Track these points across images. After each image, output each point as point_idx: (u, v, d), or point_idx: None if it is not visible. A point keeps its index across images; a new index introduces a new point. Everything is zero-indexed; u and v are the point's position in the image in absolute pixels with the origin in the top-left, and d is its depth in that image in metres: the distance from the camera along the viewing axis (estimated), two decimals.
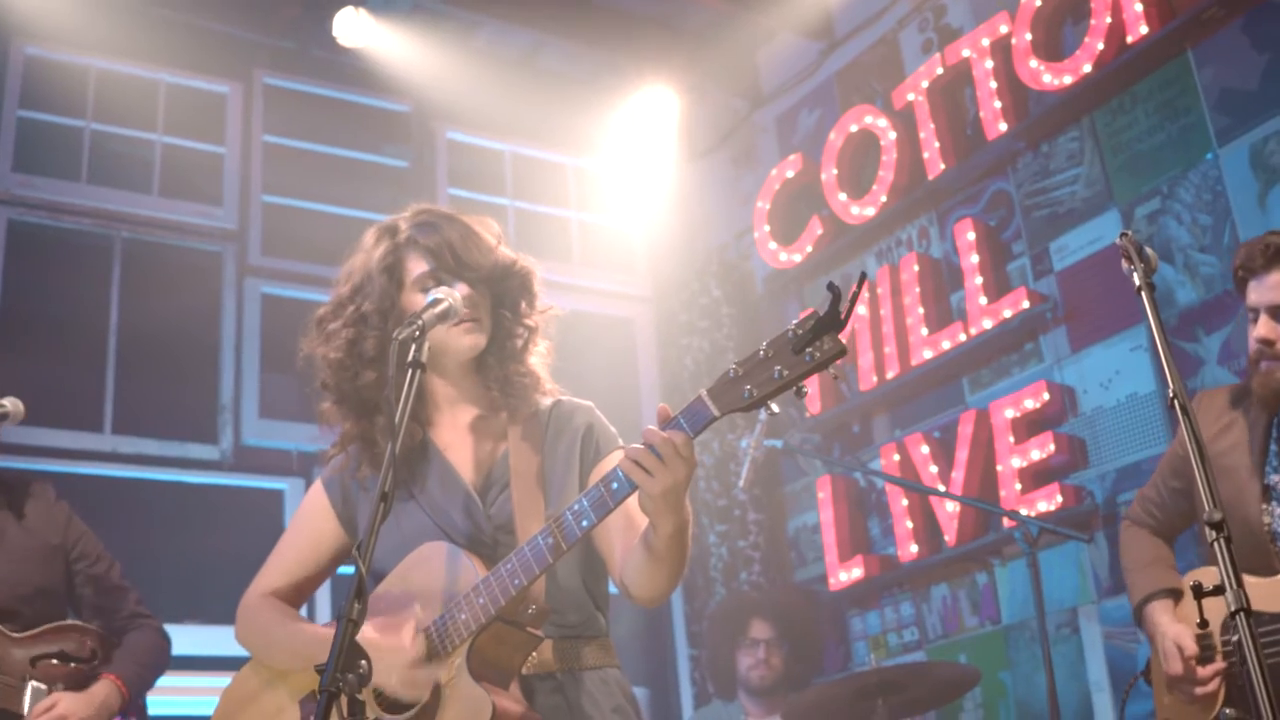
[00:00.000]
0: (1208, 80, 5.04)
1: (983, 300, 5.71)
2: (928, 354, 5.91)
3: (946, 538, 5.66)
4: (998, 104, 5.78)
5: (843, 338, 2.08)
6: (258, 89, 6.89)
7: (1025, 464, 5.37)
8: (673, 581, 2.41)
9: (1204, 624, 2.77)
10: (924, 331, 5.96)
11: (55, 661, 3.73)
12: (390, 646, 2.37)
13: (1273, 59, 4.84)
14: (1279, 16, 4.85)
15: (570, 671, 2.55)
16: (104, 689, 3.74)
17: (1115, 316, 5.25)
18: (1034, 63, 5.58)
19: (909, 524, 5.85)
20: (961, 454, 5.64)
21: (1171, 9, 5.21)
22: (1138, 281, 2.54)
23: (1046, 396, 5.38)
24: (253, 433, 6.28)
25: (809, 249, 6.66)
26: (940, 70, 6.09)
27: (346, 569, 2.53)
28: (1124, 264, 2.59)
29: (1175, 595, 3.46)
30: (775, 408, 2.15)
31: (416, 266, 2.67)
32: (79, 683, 3.74)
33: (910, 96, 6.22)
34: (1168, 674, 3.29)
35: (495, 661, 2.41)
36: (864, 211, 6.37)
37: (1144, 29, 5.19)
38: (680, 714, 6.92)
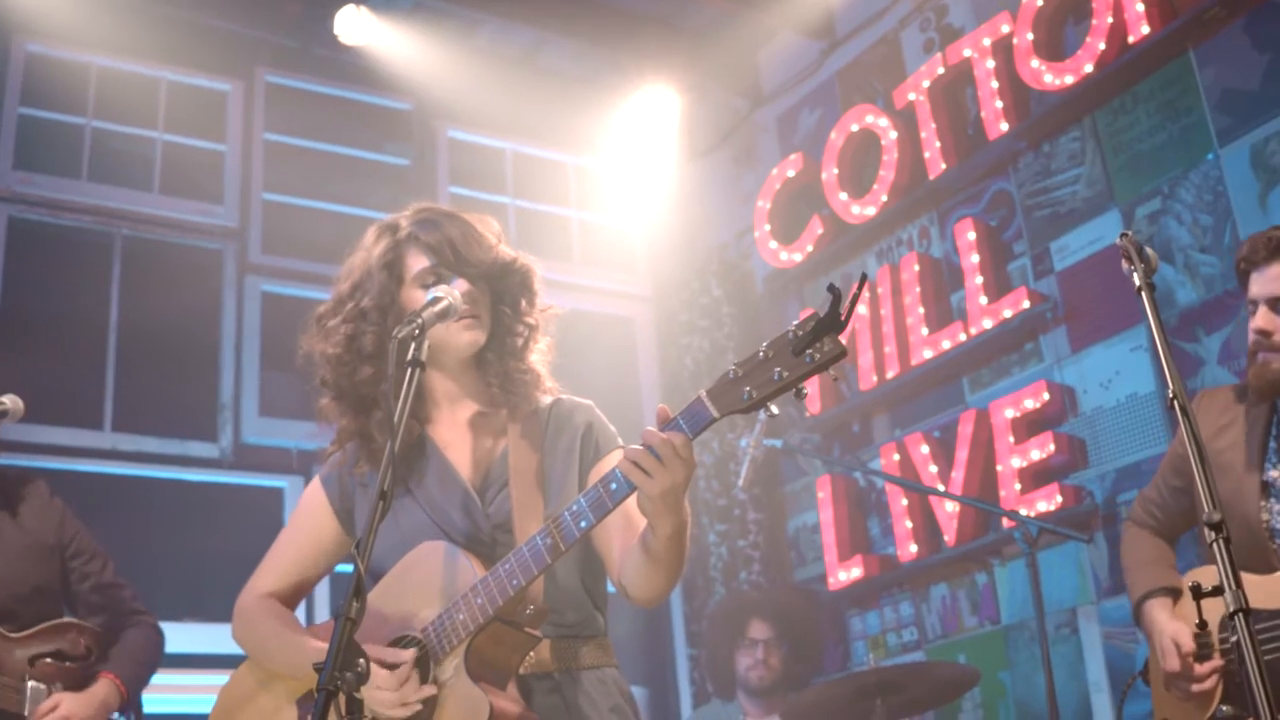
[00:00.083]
0: (1209, 80, 5.04)
1: (983, 300, 5.71)
2: (928, 354, 5.91)
3: (946, 538, 5.66)
4: (999, 104, 5.78)
5: (843, 339, 2.07)
6: (259, 87, 6.89)
7: (1025, 464, 5.37)
8: (671, 582, 2.42)
9: (1203, 624, 2.77)
10: (924, 331, 5.96)
11: (52, 661, 3.73)
12: (379, 671, 2.34)
13: (1274, 59, 4.83)
14: None
15: (568, 671, 2.55)
16: (104, 689, 3.74)
17: (1115, 316, 5.25)
18: (1035, 62, 5.58)
19: (908, 524, 5.85)
20: (961, 454, 5.64)
21: (1173, 9, 5.21)
22: (1138, 282, 2.55)
23: (1046, 396, 5.38)
24: (253, 431, 6.28)
25: (809, 248, 6.65)
26: (941, 70, 6.09)
27: (345, 567, 2.53)
28: (1124, 264, 2.59)
29: (1174, 594, 3.46)
30: (775, 409, 2.15)
31: (416, 262, 2.67)
32: (77, 682, 3.74)
33: (911, 96, 6.21)
34: (1165, 671, 3.29)
35: (493, 661, 2.40)
36: (864, 211, 6.37)
37: (1145, 29, 5.19)
38: (679, 714, 6.92)
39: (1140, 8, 5.20)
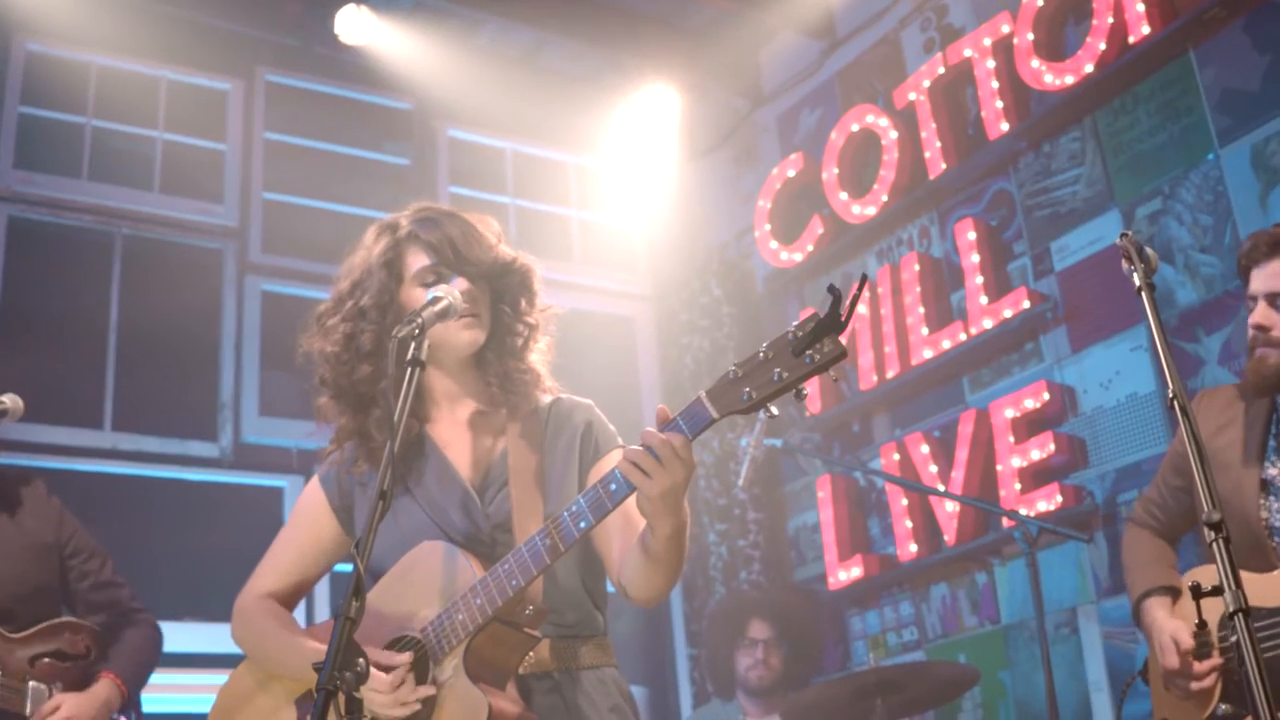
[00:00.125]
0: (1209, 81, 5.04)
1: (983, 300, 5.71)
2: (928, 353, 5.91)
3: (946, 537, 5.66)
4: (999, 104, 5.78)
5: (843, 339, 2.07)
6: (259, 86, 6.89)
7: (1025, 464, 5.37)
8: (670, 582, 2.41)
9: (1202, 624, 2.77)
10: (924, 331, 5.96)
11: (53, 660, 3.74)
12: (375, 673, 2.34)
13: (1274, 60, 4.83)
14: None
15: (567, 671, 2.54)
16: (105, 688, 3.74)
17: (1116, 316, 5.25)
18: (1036, 63, 5.58)
19: (908, 523, 5.85)
20: (961, 453, 5.64)
21: (1173, 9, 5.21)
22: (1138, 282, 2.55)
23: (1046, 396, 5.38)
24: (253, 430, 6.28)
25: (810, 248, 6.65)
26: (942, 70, 6.09)
27: (344, 566, 2.53)
28: (1124, 264, 2.60)
29: (1173, 593, 3.46)
30: (775, 410, 2.14)
31: (416, 261, 2.68)
32: (77, 681, 3.75)
33: (912, 96, 6.21)
34: (1164, 668, 3.29)
35: (492, 662, 2.40)
36: (865, 211, 6.37)
37: (1146, 29, 5.19)
38: (679, 713, 6.92)
39: (1141, 8, 5.20)
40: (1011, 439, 5.44)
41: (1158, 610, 3.41)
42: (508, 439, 2.66)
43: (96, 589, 3.95)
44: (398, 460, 2.26)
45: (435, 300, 2.48)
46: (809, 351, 2.06)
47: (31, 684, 3.66)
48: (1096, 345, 5.33)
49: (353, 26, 6.50)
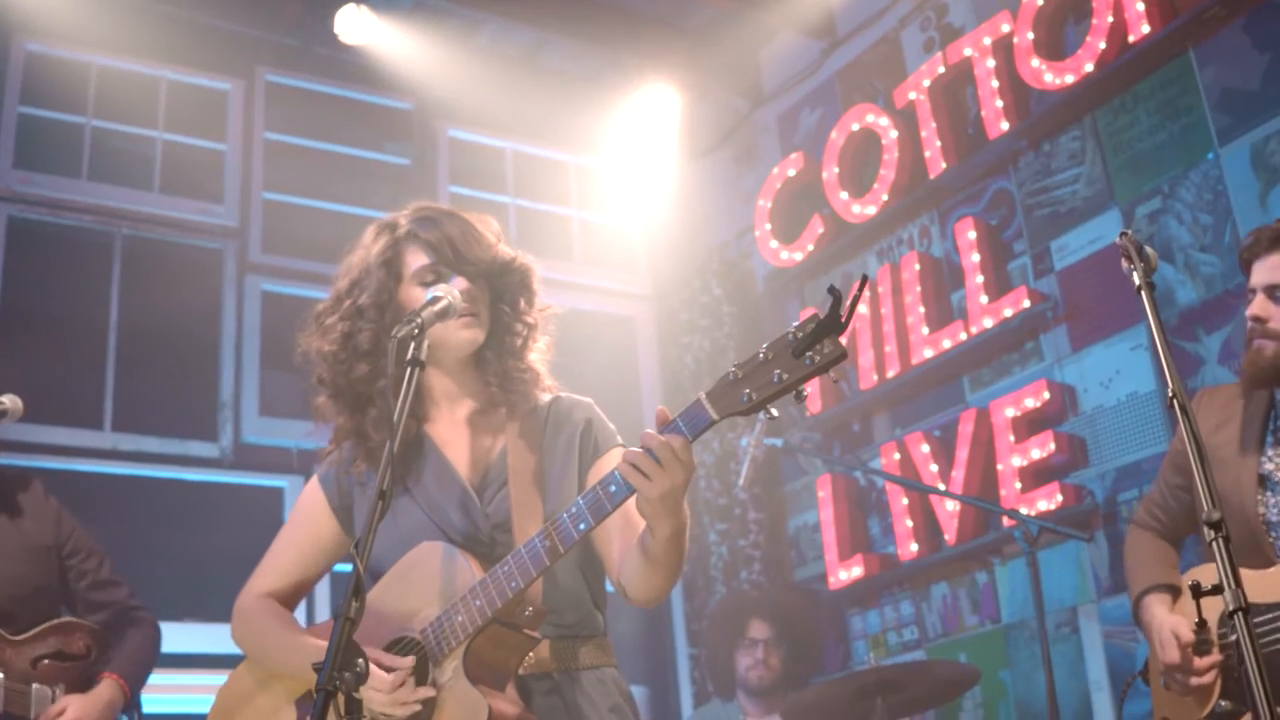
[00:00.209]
0: (1209, 80, 5.04)
1: (983, 299, 5.71)
2: (928, 353, 5.91)
3: (946, 537, 5.66)
4: (999, 103, 5.78)
5: (843, 340, 2.06)
6: (259, 86, 6.89)
7: (1025, 463, 5.37)
8: (670, 583, 2.41)
9: (1202, 623, 2.77)
10: (924, 330, 5.96)
11: (54, 661, 3.74)
12: (375, 671, 2.34)
13: (1274, 59, 4.83)
14: None
15: (567, 671, 2.54)
16: (108, 689, 3.75)
17: (1116, 316, 5.25)
18: (1035, 62, 5.58)
19: (909, 523, 5.85)
20: (962, 453, 5.64)
21: (1173, 8, 5.20)
22: (1138, 281, 2.55)
23: (1047, 395, 5.37)
24: (253, 430, 6.27)
25: (810, 248, 6.65)
26: (942, 69, 6.09)
27: (344, 566, 2.53)
28: (1124, 263, 2.59)
29: (1173, 591, 3.45)
30: (775, 411, 2.13)
31: (415, 260, 2.67)
32: (79, 681, 3.75)
33: (912, 95, 6.21)
34: (1164, 663, 3.28)
35: (492, 663, 2.40)
36: (865, 210, 6.37)
37: (1145, 28, 5.18)
38: (680, 713, 6.92)
39: (1140, 7, 5.20)
40: (1012, 438, 5.44)
41: (1157, 607, 3.40)
42: (507, 438, 2.66)
43: (96, 588, 3.95)
44: (397, 460, 2.26)
45: (435, 300, 2.48)
46: (809, 353, 2.05)
47: (35, 686, 3.66)
48: (1097, 344, 5.33)
49: (353, 26, 6.49)
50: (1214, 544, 2.19)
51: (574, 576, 2.61)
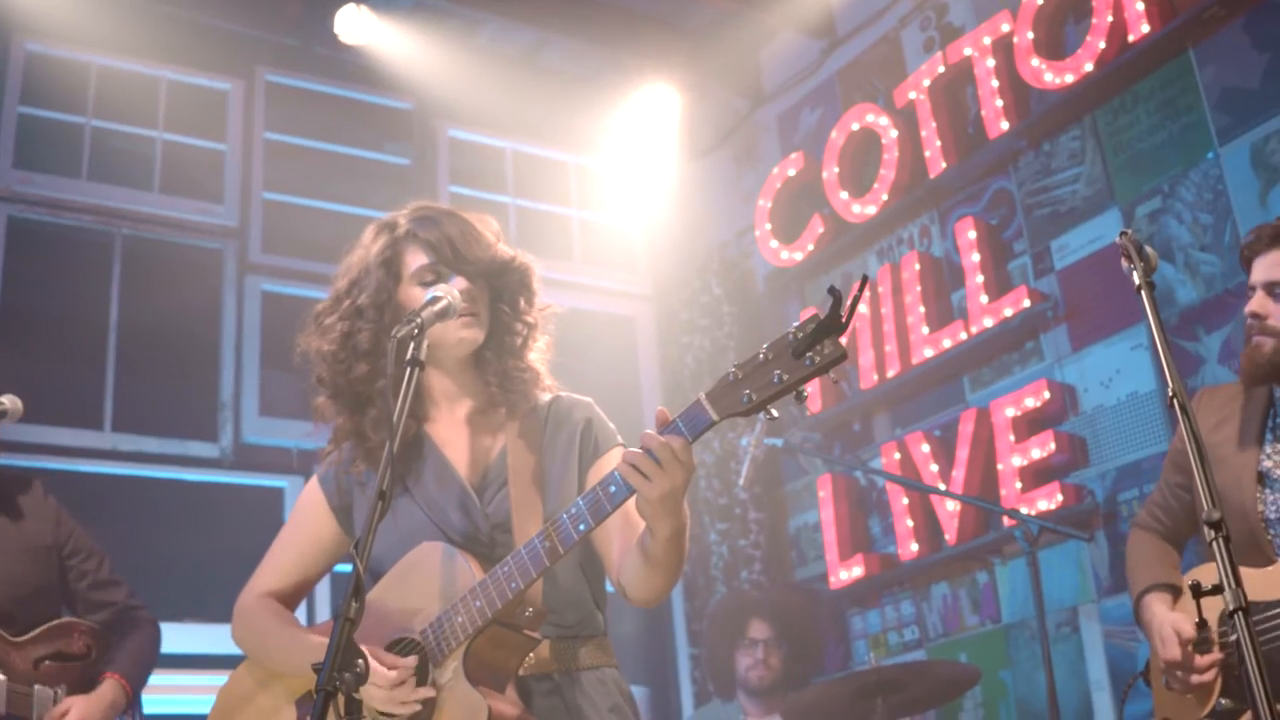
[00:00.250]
0: (1209, 79, 5.04)
1: (984, 299, 5.71)
2: (928, 352, 5.91)
3: (947, 536, 5.66)
4: (999, 102, 5.78)
5: (843, 340, 2.06)
6: (259, 86, 6.89)
7: (1026, 463, 5.37)
8: (669, 584, 2.41)
9: (1202, 623, 2.77)
10: (925, 330, 5.96)
11: (55, 662, 3.74)
12: (374, 680, 2.34)
13: (1274, 58, 4.83)
14: None
15: (567, 672, 2.54)
16: (111, 689, 3.74)
17: (1116, 315, 5.25)
18: (1035, 61, 5.58)
19: (909, 522, 5.85)
20: (962, 452, 5.64)
21: (1173, 8, 5.20)
22: (1138, 280, 2.55)
23: (1047, 395, 5.37)
24: (253, 430, 6.27)
25: (810, 247, 6.65)
26: (942, 69, 6.09)
27: (345, 566, 2.53)
28: (1124, 263, 2.59)
29: (1174, 591, 3.45)
30: (775, 411, 2.13)
31: (415, 260, 2.67)
32: (80, 682, 3.75)
33: (912, 95, 6.21)
34: (1165, 660, 3.27)
35: (492, 664, 2.40)
36: (865, 210, 6.37)
37: (1145, 28, 5.18)
38: (680, 713, 6.92)
39: (1140, 7, 5.20)
40: (1012, 438, 5.44)
41: (1157, 605, 3.40)
42: (507, 438, 2.65)
43: (96, 588, 3.95)
44: (396, 460, 2.26)
45: (434, 300, 2.48)
46: (809, 353, 2.05)
47: (37, 688, 3.66)
48: (1097, 344, 5.33)
49: (353, 26, 6.49)
50: (1214, 544, 2.19)
51: (575, 576, 2.60)
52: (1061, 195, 5.56)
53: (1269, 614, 3.12)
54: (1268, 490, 3.27)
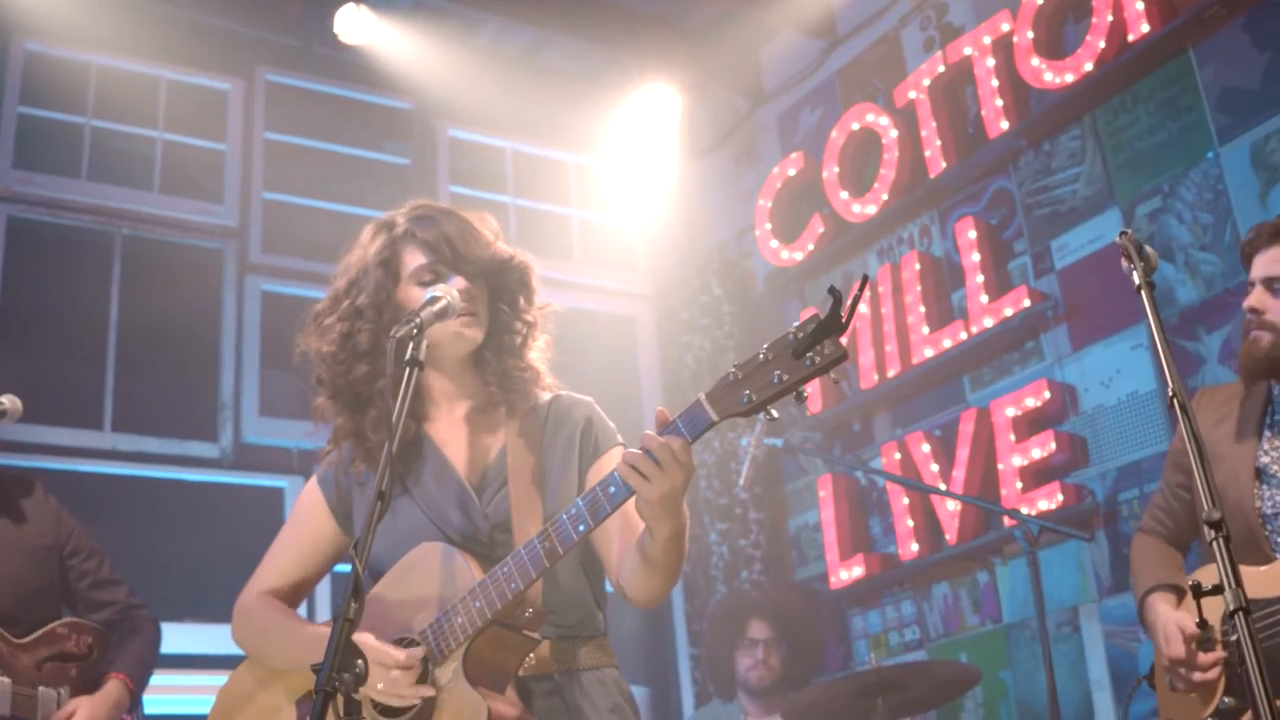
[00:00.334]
0: (1209, 79, 5.03)
1: (984, 299, 5.71)
2: (929, 352, 5.90)
3: (947, 536, 5.66)
4: (999, 102, 5.78)
5: (843, 340, 2.06)
6: (259, 86, 6.88)
7: (1026, 462, 5.37)
8: (669, 584, 2.40)
9: (1203, 623, 2.76)
10: (925, 330, 5.96)
11: (58, 663, 3.74)
12: (379, 659, 2.33)
13: (1274, 58, 4.83)
14: None
15: (568, 672, 2.53)
16: (115, 689, 3.75)
17: (1116, 315, 5.25)
18: (1035, 61, 5.58)
19: (910, 522, 5.85)
20: (962, 452, 5.64)
21: (1173, 8, 5.20)
22: (1138, 280, 2.55)
23: (1047, 395, 5.37)
24: (253, 430, 6.27)
25: (810, 247, 6.65)
26: (942, 68, 6.09)
27: (344, 566, 2.53)
28: (1124, 262, 2.60)
29: (1177, 592, 3.45)
30: (775, 412, 2.12)
31: (413, 259, 2.66)
32: (83, 682, 3.75)
33: (912, 94, 6.21)
34: (1169, 657, 3.27)
35: (492, 665, 2.39)
36: (865, 210, 6.37)
37: (1145, 27, 5.18)
38: (681, 713, 6.91)
39: (1140, 6, 5.20)
40: (1012, 438, 5.44)
41: (1161, 604, 3.40)
42: (506, 437, 2.65)
43: (96, 588, 3.95)
44: (396, 460, 2.25)
45: (434, 300, 2.47)
46: (809, 353, 2.05)
47: (42, 689, 3.67)
48: (1097, 344, 5.32)
49: (352, 26, 6.49)
50: (1214, 543, 2.19)
51: (575, 576, 2.60)
52: (1061, 195, 5.56)
53: (1268, 610, 3.12)
54: (1265, 486, 3.27)
